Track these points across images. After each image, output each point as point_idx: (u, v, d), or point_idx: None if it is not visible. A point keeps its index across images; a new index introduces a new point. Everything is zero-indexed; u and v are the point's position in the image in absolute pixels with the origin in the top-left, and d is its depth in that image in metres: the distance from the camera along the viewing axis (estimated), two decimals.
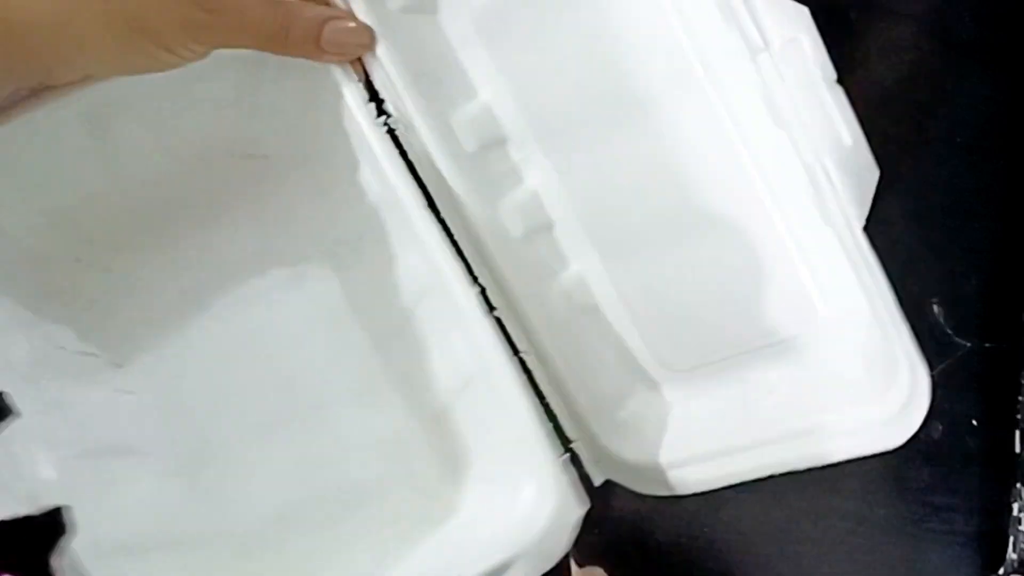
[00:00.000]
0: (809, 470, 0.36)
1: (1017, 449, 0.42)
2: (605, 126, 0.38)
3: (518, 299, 0.39)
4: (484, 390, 0.38)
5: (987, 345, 0.43)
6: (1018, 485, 0.41)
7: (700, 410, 0.40)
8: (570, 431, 0.40)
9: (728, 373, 0.40)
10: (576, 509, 0.35)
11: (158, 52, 0.32)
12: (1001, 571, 0.41)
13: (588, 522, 0.36)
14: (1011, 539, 0.41)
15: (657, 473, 0.39)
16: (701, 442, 0.39)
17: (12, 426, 0.35)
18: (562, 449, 0.37)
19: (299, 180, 0.40)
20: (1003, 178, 0.39)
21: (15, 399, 0.35)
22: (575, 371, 0.40)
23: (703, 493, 0.41)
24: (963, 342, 0.43)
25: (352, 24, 0.35)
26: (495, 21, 0.38)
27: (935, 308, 0.43)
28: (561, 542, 0.35)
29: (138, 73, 0.33)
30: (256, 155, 0.39)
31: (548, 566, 0.35)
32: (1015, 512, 0.41)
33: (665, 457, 0.39)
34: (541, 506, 0.36)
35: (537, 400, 0.37)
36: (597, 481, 0.40)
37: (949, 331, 0.43)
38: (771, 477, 0.37)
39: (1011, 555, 0.41)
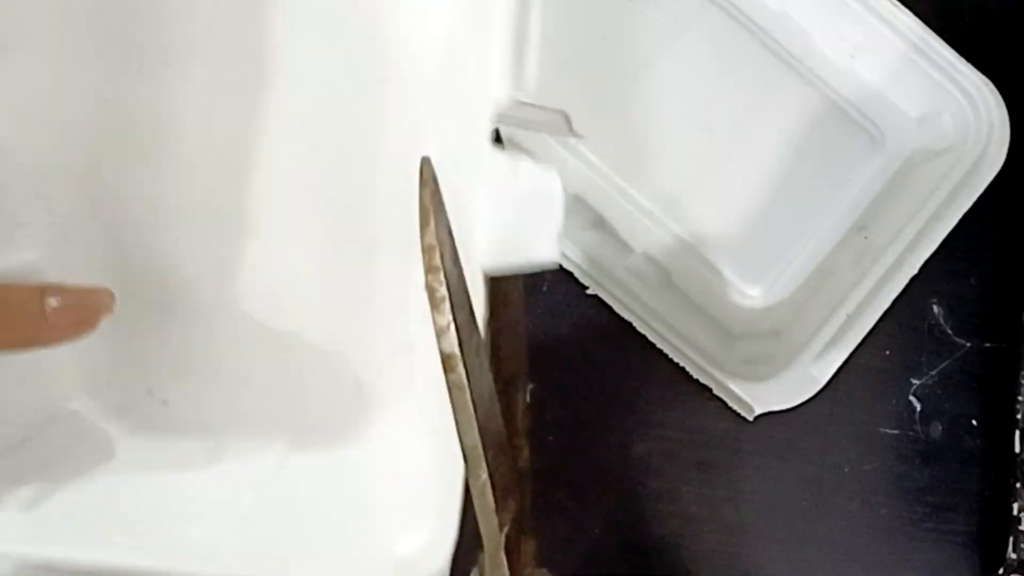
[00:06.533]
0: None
1: (1017, 449, 0.42)
2: None
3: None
4: None
5: (987, 345, 0.43)
6: (1018, 485, 0.41)
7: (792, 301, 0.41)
8: (707, 381, 0.40)
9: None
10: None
11: None
12: (1001, 571, 0.41)
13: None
14: (1011, 539, 0.41)
15: (799, 375, 0.39)
16: (815, 325, 0.39)
17: None
18: None
19: None
20: (1003, 178, 0.39)
21: None
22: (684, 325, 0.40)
23: (701, 495, 0.41)
24: (963, 342, 0.43)
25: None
26: None
27: (935, 308, 0.43)
28: None
29: None
30: None
31: None
32: (1015, 512, 0.41)
33: (795, 356, 0.39)
34: None
35: None
36: (751, 416, 0.39)
37: (949, 331, 0.43)
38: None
39: (1011, 555, 0.41)
